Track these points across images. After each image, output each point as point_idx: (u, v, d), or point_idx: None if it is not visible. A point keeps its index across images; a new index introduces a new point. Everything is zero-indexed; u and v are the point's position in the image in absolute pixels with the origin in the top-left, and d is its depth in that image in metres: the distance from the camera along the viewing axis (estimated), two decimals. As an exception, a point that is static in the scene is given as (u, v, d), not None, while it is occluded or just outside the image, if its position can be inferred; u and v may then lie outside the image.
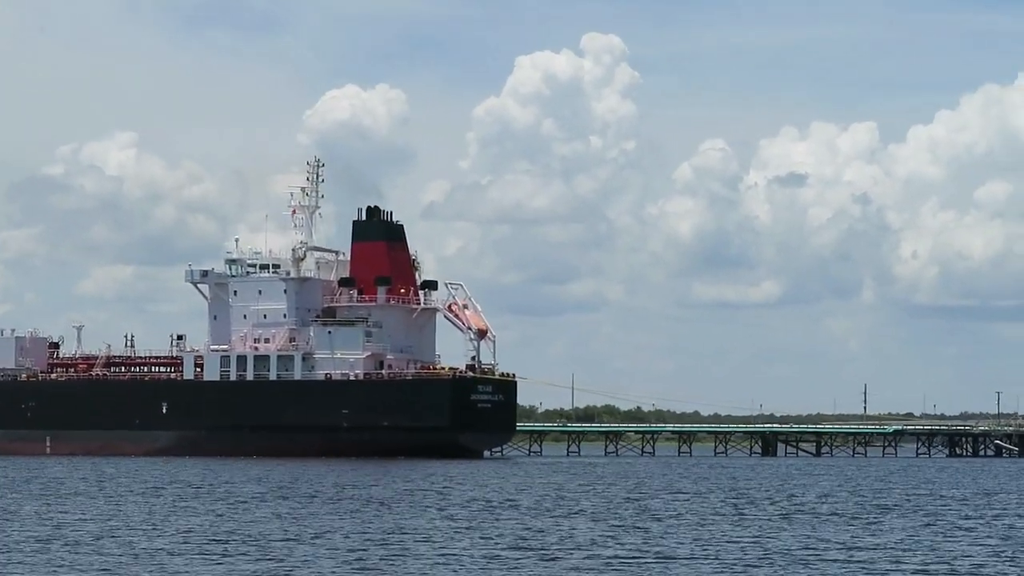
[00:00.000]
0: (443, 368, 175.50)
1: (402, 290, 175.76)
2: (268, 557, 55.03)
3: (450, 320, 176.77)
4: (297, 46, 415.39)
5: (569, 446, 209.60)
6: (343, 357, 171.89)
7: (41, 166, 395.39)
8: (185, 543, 59.89)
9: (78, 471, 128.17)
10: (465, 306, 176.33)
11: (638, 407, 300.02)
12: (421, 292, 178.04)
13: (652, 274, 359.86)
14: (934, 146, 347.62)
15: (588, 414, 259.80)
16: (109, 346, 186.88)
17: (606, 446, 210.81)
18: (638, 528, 67.45)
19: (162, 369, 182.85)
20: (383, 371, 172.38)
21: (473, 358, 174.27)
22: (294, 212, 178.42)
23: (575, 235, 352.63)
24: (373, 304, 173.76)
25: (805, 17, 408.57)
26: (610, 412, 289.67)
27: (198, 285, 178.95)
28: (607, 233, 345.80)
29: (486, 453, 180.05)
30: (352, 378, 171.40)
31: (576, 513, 76.82)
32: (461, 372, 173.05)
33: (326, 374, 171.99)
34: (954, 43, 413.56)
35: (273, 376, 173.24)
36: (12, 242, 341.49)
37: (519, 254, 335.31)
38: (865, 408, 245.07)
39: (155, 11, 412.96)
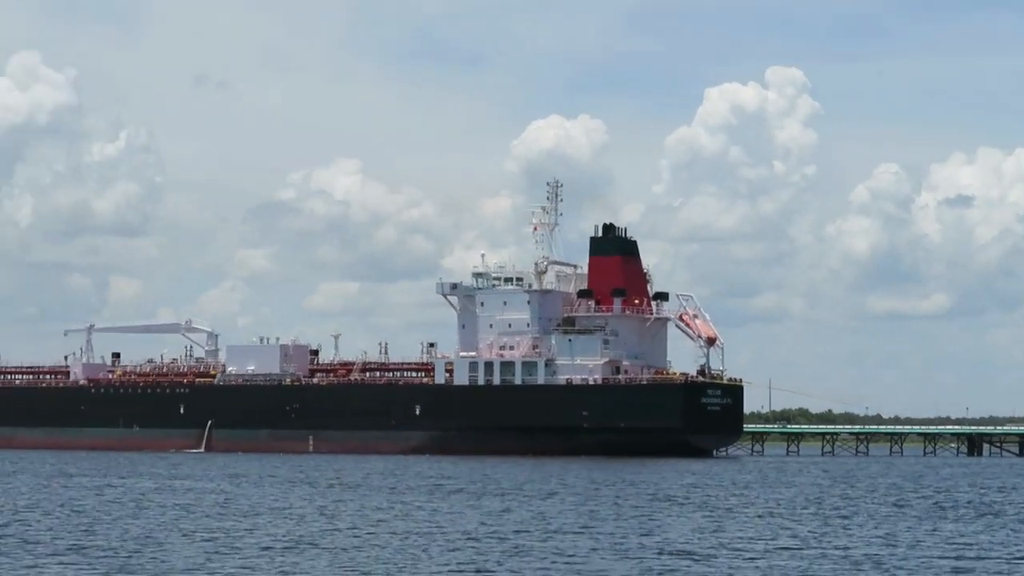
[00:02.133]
0: (675, 373, 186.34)
1: (636, 301, 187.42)
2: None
3: (681, 329, 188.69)
4: (504, 80, 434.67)
5: (788, 446, 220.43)
6: (583, 363, 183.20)
7: (275, 191, 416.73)
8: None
9: (405, 470, 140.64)
10: (695, 316, 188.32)
11: (829, 410, 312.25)
12: (653, 303, 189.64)
13: (830, 288, 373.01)
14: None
15: (784, 416, 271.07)
16: (365, 352, 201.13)
17: (823, 446, 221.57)
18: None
19: (414, 374, 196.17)
20: (620, 376, 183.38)
21: (703, 364, 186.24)
22: (535, 229, 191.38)
23: (759, 252, 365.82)
24: (610, 314, 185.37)
25: (972, 47, 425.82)
26: (803, 414, 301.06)
27: (448, 297, 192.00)
28: (788, 251, 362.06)
29: (715, 452, 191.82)
30: (591, 383, 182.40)
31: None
32: (692, 377, 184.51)
33: (567, 379, 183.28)
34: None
35: (518, 381, 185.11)
36: (250, 260, 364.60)
37: (707, 270, 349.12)
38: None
39: (374, 49, 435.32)
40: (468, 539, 65.10)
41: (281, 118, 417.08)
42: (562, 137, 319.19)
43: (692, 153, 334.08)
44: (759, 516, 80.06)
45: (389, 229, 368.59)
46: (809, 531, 70.44)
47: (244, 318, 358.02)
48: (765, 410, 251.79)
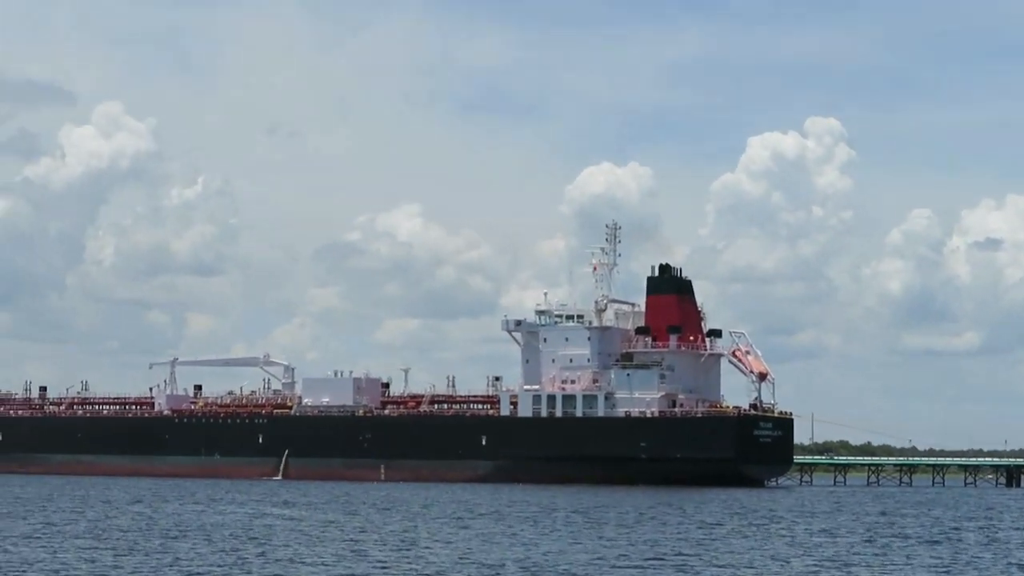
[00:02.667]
0: (728, 407, 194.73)
1: (691, 337, 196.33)
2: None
3: (734, 364, 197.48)
4: (558, 128, 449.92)
5: (836, 477, 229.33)
6: (640, 396, 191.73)
7: (342, 233, 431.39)
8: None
9: (508, 497, 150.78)
10: (747, 352, 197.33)
11: (868, 442, 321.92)
12: (707, 339, 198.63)
13: (866, 326, 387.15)
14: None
15: (826, 448, 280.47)
16: (433, 386, 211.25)
17: (868, 477, 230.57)
18: None
19: (480, 406, 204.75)
20: (676, 409, 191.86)
21: (755, 398, 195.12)
22: (595, 269, 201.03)
23: (798, 292, 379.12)
24: (666, 350, 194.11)
25: (1001, 97, 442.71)
26: (844, 446, 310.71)
27: (512, 333, 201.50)
28: (826, 290, 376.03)
29: (765, 483, 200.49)
30: (649, 415, 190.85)
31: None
32: (744, 410, 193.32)
33: (625, 411, 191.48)
34: None
35: (579, 413, 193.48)
36: (319, 298, 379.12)
37: (750, 308, 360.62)
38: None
39: (433, 100, 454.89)
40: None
41: (348, 164, 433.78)
42: (613, 182, 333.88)
43: (736, 198, 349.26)
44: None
45: (449, 269, 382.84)
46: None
47: (313, 352, 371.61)
48: (807, 442, 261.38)
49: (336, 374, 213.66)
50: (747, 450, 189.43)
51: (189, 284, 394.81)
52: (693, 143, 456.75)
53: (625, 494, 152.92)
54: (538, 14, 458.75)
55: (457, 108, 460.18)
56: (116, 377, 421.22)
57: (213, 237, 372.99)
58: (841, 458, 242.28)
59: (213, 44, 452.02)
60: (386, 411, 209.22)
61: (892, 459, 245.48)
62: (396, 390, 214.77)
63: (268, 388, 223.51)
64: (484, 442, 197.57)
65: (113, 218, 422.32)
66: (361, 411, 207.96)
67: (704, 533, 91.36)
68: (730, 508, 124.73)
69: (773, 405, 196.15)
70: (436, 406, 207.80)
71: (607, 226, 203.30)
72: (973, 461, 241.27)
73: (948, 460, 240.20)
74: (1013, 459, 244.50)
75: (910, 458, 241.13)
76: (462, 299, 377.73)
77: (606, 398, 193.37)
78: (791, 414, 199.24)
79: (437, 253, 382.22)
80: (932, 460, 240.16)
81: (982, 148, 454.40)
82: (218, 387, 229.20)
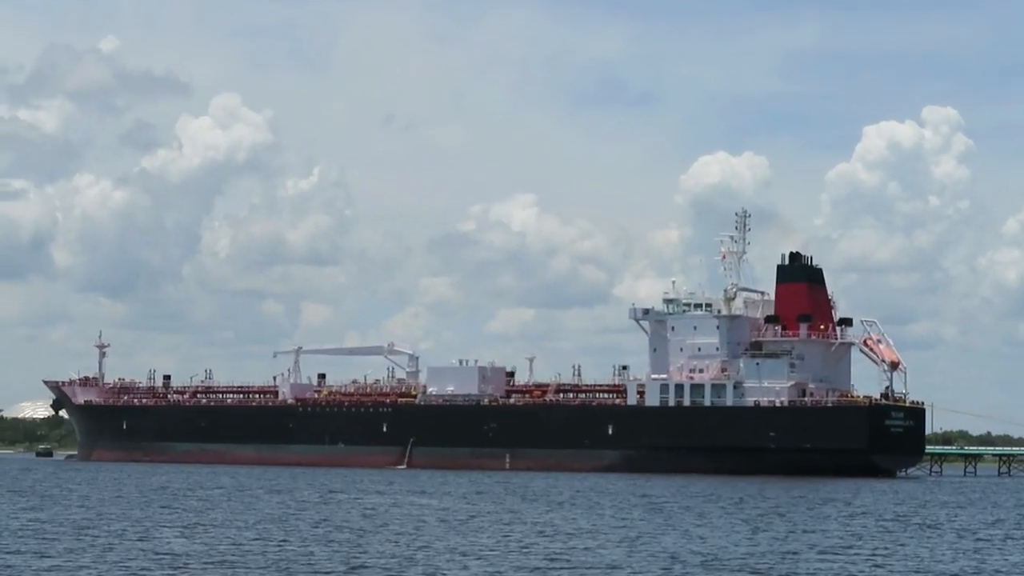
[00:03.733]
0: (859, 396, 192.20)
1: (821, 326, 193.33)
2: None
3: (865, 353, 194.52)
4: (672, 119, 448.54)
5: (966, 467, 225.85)
6: (770, 386, 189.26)
7: (456, 223, 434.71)
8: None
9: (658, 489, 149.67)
10: (879, 341, 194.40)
11: (988, 432, 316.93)
12: (838, 328, 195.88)
13: (982, 316, 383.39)
14: None
15: (946, 438, 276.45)
16: (559, 374, 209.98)
17: (999, 467, 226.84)
18: None
19: (607, 395, 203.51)
20: (806, 399, 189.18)
21: (887, 387, 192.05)
22: (724, 257, 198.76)
23: (914, 282, 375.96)
24: (796, 339, 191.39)
25: None
26: (963, 436, 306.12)
27: (640, 322, 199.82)
28: (942, 280, 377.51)
29: (897, 473, 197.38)
30: (778, 404, 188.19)
31: None
32: (876, 400, 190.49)
33: (755, 401, 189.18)
34: None
35: (707, 402, 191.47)
36: (433, 288, 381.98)
37: (865, 299, 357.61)
38: None
39: (547, 92, 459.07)
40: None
41: (462, 156, 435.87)
42: (728, 172, 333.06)
43: (851, 188, 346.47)
44: None
45: (563, 259, 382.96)
46: None
47: (426, 343, 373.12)
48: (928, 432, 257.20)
49: (461, 363, 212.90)
50: (879, 440, 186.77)
51: (304, 274, 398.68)
52: (808, 132, 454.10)
53: (770, 484, 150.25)
54: (653, 5, 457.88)
55: (572, 100, 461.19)
56: (232, 367, 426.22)
57: (328, 228, 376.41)
58: (972, 448, 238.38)
59: (329, 36, 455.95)
60: (511, 400, 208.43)
61: (1019, 449, 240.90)
62: (520, 379, 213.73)
63: (392, 377, 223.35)
64: (610, 431, 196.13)
65: (229, 209, 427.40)
66: (486, 400, 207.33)
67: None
68: (899, 499, 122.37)
69: (905, 395, 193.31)
70: (562, 395, 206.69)
71: (736, 214, 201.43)
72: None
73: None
74: None
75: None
76: (575, 289, 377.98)
77: (735, 387, 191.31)
78: (923, 403, 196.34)
79: (551, 243, 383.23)
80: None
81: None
82: (340, 376, 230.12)
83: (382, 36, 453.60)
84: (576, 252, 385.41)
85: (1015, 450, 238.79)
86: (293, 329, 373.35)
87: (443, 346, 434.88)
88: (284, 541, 73.05)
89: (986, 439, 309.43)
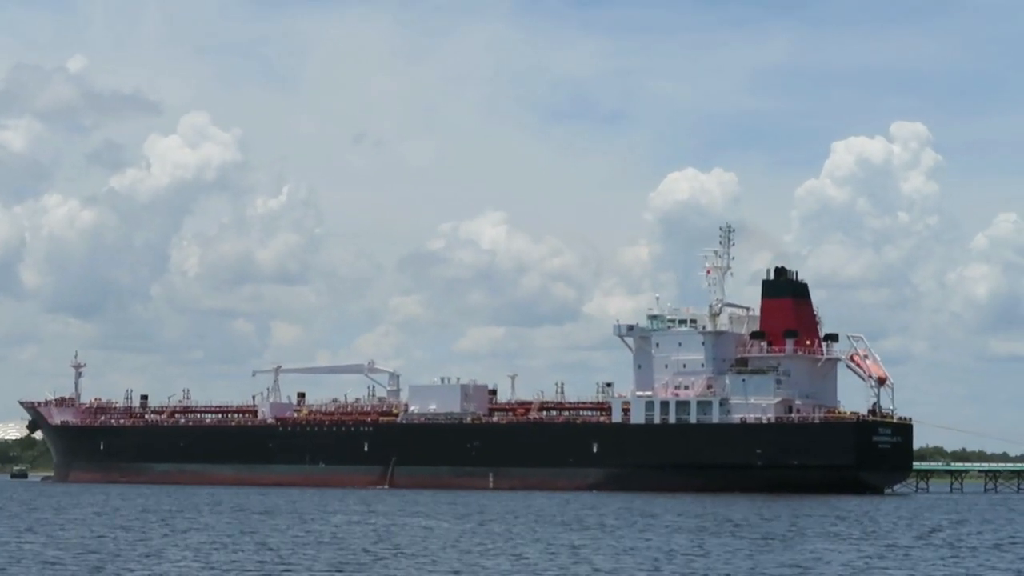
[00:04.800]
0: (845, 412, 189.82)
1: (807, 342, 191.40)
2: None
3: (852, 369, 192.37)
4: (641, 136, 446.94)
5: (952, 483, 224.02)
6: (756, 402, 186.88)
7: (426, 241, 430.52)
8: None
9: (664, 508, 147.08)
10: (866, 356, 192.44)
11: (963, 448, 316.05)
12: (824, 343, 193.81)
13: (952, 331, 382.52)
14: None
15: (920, 454, 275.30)
16: (542, 392, 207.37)
17: (985, 483, 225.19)
18: None
19: (591, 413, 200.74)
20: (792, 415, 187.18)
21: (874, 403, 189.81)
22: (708, 272, 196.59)
23: (884, 298, 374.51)
24: (782, 355, 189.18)
25: None
26: (939, 452, 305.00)
27: (624, 338, 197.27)
28: (912, 296, 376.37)
29: (885, 490, 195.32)
30: (765, 421, 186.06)
31: None
32: (863, 416, 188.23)
33: (741, 418, 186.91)
34: None
35: (693, 420, 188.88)
36: (402, 306, 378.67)
37: (834, 315, 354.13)
38: None
39: (517, 109, 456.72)
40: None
41: (433, 173, 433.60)
42: (697, 189, 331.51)
43: (820, 204, 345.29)
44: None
45: (533, 276, 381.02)
46: None
47: (396, 361, 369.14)
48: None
49: (443, 381, 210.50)
50: (866, 457, 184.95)
51: (274, 293, 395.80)
52: (777, 148, 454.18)
53: (766, 503, 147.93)
54: (624, 22, 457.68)
55: (542, 116, 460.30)
56: (203, 386, 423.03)
57: (298, 246, 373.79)
58: (957, 464, 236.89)
59: (299, 54, 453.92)
60: (494, 418, 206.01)
61: (1010, 465, 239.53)
62: (503, 397, 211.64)
63: (373, 396, 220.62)
64: (595, 449, 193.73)
65: (198, 228, 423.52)
66: (469, 418, 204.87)
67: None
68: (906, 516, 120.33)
69: (892, 411, 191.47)
70: (545, 413, 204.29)
71: (720, 228, 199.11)
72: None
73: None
74: None
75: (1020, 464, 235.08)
76: (546, 307, 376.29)
77: (721, 404, 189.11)
78: (910, 419, 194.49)
79: (521, 261, 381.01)
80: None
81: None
82: (319, 395, 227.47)
83: (352, 53, 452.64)
84: (546, 269, 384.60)
85: (1001, 466, 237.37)
86: (263, 348, 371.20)
87: (414, 365, 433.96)
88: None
89: (961, 455, 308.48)
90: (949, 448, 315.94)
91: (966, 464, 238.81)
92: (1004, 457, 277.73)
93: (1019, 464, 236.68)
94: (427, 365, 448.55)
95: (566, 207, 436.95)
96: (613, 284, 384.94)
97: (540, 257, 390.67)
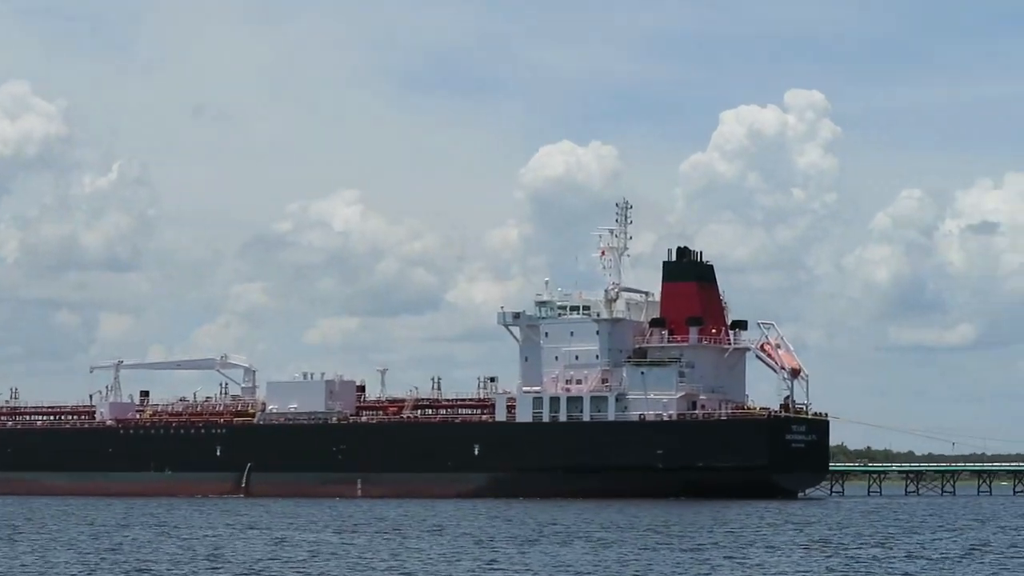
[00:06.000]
0: (755, 408, 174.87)
1: (713, 330, 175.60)
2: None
3: (762, 360, 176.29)
4: (512, 107, 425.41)
5: (870, 486, 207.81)
6: (656, 397, 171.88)
7: (271, 223, 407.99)
8: None
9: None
10: (777, 345, 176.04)
11: (868, 447, 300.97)
12: (731, 332, 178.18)
13: (851, 319, 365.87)
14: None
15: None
16: (416, 389, 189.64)
17: (906, 485, 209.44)
18: None
19: (472, 411, 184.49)
20: (696, 411, 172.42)
21: (787, 397, 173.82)
22: (603, 254, 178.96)
23: (776, 282, 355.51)
24: (685, 344, 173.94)
25: (998, 75, 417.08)
26: (842, 451, 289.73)
27: (509, 327, 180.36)
28: (807, 280, 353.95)
29: (799, 494, 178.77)
30: (666, 418, 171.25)
31: None
32: (775, 412, 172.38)
33: (639, 415, 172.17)
34: None
35: (586, 417, 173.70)
36: (245, 295, 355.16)
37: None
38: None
39: (375, 78, 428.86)
40: None
41: (279, 148, 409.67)
42: (572, 164, 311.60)
43: (707, 179, 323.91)
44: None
45: (390, 262, 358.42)
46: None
47: (239, 355, 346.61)
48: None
49: (305, 376, 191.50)
50: (780, 457, 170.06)
51: (102, 281, 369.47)
52: (661, 120, 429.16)
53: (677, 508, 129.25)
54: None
55: (400, 86, 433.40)
56: (23, 385, 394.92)
57: (129, 229, 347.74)
58: (876, 464, 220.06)
59: (132, 18, 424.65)
60: (363, 418, 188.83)
61: (934, 465, 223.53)
62: (372, 394, 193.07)
63: (226, 394, 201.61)
64: (477, 452, 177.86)
65: (17, 209, 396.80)
66: (334, 418, 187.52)
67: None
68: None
69: (806, 405, 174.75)
70: (420, 412, 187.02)
71: (617, 205, 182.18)
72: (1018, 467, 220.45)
73: (995, 466, 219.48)
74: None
75: (952, 464, 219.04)
76: (404, 295, 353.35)
77: (617, 400, 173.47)
78: (826, 415, 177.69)
79: (376, 245, 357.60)
80: (977, 466, 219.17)
81: (978, 124, 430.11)
82: (164, 393, 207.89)
83: (191, 18, 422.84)
84: (405, 254, 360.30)
85: (923, 466, 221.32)
86: (90, 343, 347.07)
87: (258, 359, 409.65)
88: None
89: (867, 454, 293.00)
90: (852, 447, 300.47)
91: (886, 465, 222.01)
92: (929, 457, 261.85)
93: (943, 465, 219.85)
94: (274, 360, 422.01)
95: (427, 186, 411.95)
96: (478, 269, 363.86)
97: (398, 240, 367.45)
